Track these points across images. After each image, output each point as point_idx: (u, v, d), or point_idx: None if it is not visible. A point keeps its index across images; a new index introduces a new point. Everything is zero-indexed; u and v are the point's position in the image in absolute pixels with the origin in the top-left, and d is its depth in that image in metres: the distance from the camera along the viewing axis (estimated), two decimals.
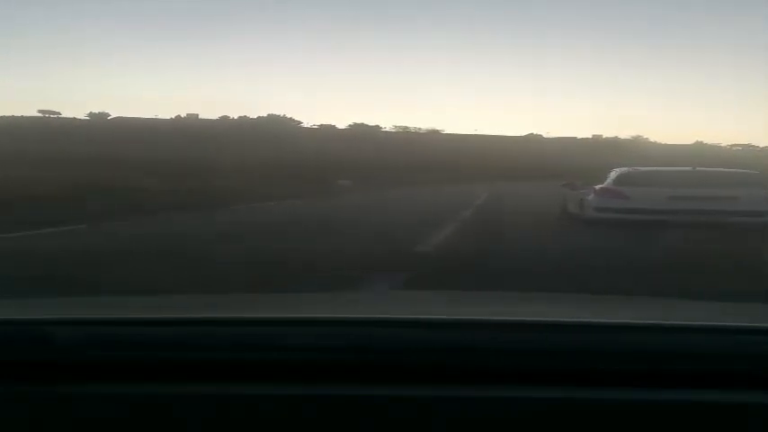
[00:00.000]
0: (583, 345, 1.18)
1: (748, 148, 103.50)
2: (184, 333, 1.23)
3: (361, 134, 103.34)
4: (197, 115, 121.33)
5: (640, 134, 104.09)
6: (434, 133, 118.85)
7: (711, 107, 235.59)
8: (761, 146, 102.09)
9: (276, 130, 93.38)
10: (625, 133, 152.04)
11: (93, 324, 1.28)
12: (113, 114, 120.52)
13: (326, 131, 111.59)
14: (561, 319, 1.33)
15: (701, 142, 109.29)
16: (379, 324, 1.26)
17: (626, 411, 1.09)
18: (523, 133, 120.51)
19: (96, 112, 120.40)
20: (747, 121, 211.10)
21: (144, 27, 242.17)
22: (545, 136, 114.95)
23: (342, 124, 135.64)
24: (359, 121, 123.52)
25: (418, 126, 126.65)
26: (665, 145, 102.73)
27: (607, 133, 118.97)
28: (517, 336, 1.20)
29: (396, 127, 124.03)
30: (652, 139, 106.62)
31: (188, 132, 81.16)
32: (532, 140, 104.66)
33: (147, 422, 1.09)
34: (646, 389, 1.11)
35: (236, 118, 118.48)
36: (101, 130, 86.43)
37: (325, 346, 1.18)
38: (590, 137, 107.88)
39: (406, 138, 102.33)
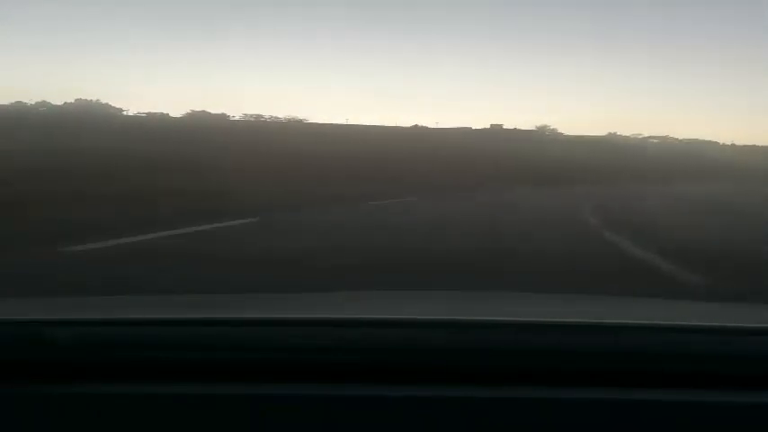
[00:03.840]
0: (583, 345, 1.24)
1: (666, 140, 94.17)
2: (184, 333, 1.29)
3: (201, 123, 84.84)
4: None
5: (547, 124, 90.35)
6: (296, 123, 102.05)
7: (625, 97, 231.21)
8: (679, 138, 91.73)
9: (84, 119, 73.34)
10: (529, 123, 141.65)
11: (94, 324, 1.33)
12: None
13: (157, 120, 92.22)
14: (561, 320, 1.40)
15: (615, 134, 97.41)
16: (379, 324, 1.33)
17: (626, 411, 1.14)
18: (408, 124, 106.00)
19: None
20: (664, 112, 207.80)
21: None
22: (433, 126, 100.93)
23: (177, 112, 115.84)
24: (199, 108, 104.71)
25: (275, 114, 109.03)
26: (575, 136, 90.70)
27: (508, 123, 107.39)
28: (517, 336, 1.26)
29: (247, 115, 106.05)
30: (560, 130, 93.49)
31: None
32: (420, 132, 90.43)
33: (146, 422, 1.15)
34: (646, 389, 1.17)
35: (32, 103, 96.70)
36: None
37: (324, 347, 1.25)
38: (488, 127, 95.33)
39: (260, 128, 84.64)
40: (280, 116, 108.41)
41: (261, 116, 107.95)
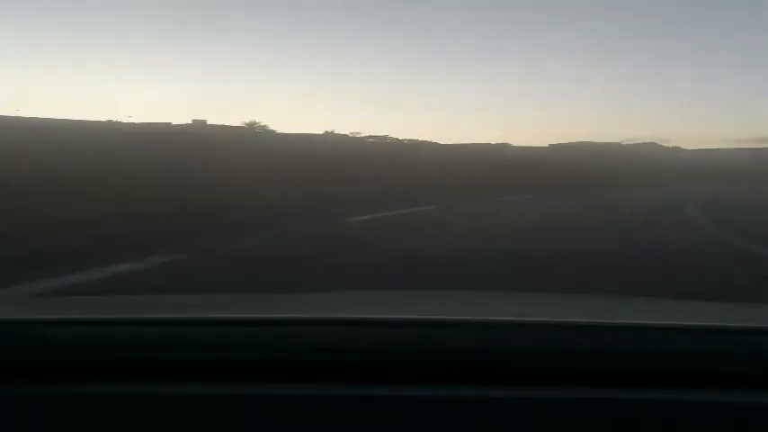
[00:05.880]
0: (583, 345, 1.26)
1: (385, 139, 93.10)
2: (184, 333, 1.32)
3: None
4: None
5: (257, 121, 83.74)
6: None
7: (344, 95, 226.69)
8: (400, 137, 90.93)
9: None
10: (237, 120, 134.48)
11: (93, 324, 1.36)
12: None
13: None
14: (561, 320, 1.42)
15: (332, 132, 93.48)
16: (379, 324, 1.34)
17: (626, 411, 1.16)
18: (103, 118, 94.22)
19: None
20: (384, 111, 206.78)
21: None
22: (126, 121, 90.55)
23: None
24: None
25: None
26: (290, 134, 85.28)
27: (213, 119, 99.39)
28: (517, 336, 1.28)
29: None
30: (272, 127, 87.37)
31: None
32: (112, 128, 79.34)
33: (146, 422, 1.17)
34: (646, 389, 1.19)
35: None
36: None
37: (325, 347, 1.27)
38: (190, 122, 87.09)
39: None
40: None
41: None
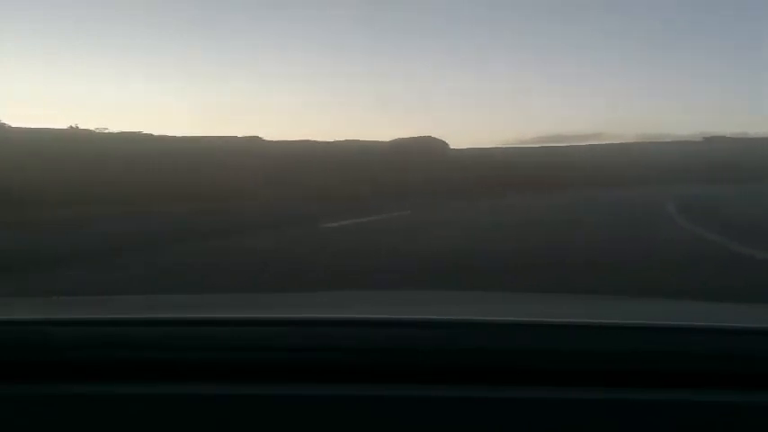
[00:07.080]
0: (582, 345, 1.27)
1: (138, 135, 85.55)
2: (184, 333, 1.32)
3: None
4: None
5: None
6: None
7: (89, 88, 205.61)
8: (176, 134, 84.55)
9: None
10: None
11: (93, 324, 1.37)
12: None
13: None
14: (561, 320, 1.42)
15: (76, 127, 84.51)
16: (379, 324, 1.35)
17: (626, 411, 1.17)
18: None
19: None
20: (139, 105, 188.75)
21: None
22: None
23: None
24: None
25: None
26: (28, 129, 75.61)
27: None
28: (517, 336, 1.28)
29: None
30: (4, 121, 77.23)
31: None
32: None
33: (146, 422, 1.18)
34: (646, 389, 1.19)
35: None
36: None
37: (324, 347, 1.28)
38: None
39: None
40: None
41: None
